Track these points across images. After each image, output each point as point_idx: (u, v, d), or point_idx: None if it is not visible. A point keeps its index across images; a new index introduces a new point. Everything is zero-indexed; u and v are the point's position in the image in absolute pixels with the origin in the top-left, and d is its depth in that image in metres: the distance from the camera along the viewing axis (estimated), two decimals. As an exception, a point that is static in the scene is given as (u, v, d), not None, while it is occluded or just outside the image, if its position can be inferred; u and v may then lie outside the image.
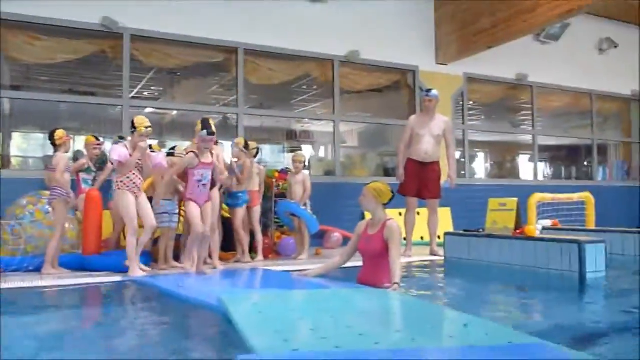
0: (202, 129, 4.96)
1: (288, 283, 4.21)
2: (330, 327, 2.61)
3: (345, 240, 7.09)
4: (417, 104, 8.92)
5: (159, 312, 3.51)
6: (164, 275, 4.93)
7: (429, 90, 6.67)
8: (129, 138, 5.09)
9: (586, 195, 7.46)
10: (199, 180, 5.03)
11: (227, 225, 6.19)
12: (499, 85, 10.29)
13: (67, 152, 5.32)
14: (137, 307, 3.80)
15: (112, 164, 5.15)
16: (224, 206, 6.17)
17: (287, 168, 7.24)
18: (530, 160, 11.08)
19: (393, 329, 2.79)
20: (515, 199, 5.62)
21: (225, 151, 6.32)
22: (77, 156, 6.15)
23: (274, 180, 6.97)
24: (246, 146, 6.16)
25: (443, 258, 6.00)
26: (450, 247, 5.95)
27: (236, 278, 4.96)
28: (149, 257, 5.49)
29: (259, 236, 6.22)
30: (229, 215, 6.20)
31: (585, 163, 12.29)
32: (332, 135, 8.79)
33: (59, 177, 5.04)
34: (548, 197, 7.23)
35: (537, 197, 7.00)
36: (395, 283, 3.61)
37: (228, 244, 6.19)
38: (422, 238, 7.64)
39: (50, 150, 5.50)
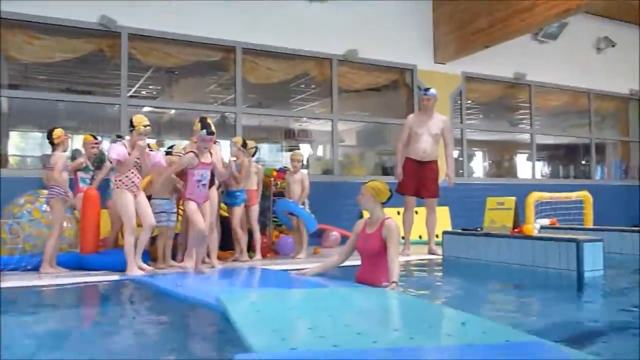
0: (202, 129, 4.95)
1: (286, 282, 4.21)
2: (328, 326, 2.60)
3: (344, 239, 7.09)
4: (415, 103, 8.91)
5: (157, 311, 3.51)
6: (162, 274, 4.93)
7: (427, 89, 6.67)
8: (127, 137, 5.08)
9: (584, 194, 7.46)
10: (199, 180, 5.03)
11: (225, 224, 6.18)
12: (497, 84, 10.28)
13: (65, 151, 5.32)
14: (135, 306, 3.80)
15: (111, 162, 5.15)
16: (222, 205, 6.17)
17: (285, 167, 7.23)
18: (529, 159, 11.08)
19: (391, 328, 2.79)
20: (514, 198, 5.62)
21: (223, 150, 6.32)
22: (75, 155, 6.16)
23: (272, 179, 6.97)
24: (244, 145, 6.16)
25: (441, 257, 6.00)
26: (448, 246, 5.96)
27: (234, 277, 4.95)
28: (147, 256, 5.49)
29: (257, 235, 6.23)
30: (227, 214, 6.20)
31: (583, 162, 12.30)
32: (330, 134, 8.78)
33: (57, 176, 5.03)
34: (546, 196, 7.23)
35: (535, 196, 7.00)
36: (393, 282, 3.60)
37: (226, 243, 6.18)
38: (420, 237, 7.65)
39: (48, 149, 5.50)
